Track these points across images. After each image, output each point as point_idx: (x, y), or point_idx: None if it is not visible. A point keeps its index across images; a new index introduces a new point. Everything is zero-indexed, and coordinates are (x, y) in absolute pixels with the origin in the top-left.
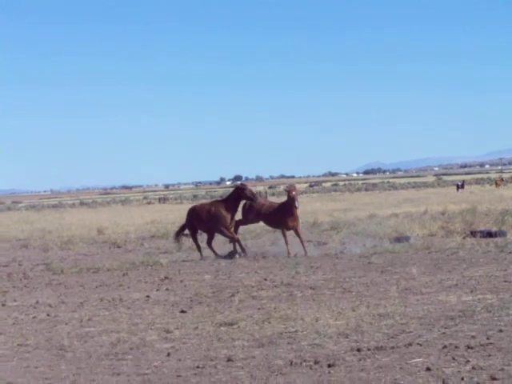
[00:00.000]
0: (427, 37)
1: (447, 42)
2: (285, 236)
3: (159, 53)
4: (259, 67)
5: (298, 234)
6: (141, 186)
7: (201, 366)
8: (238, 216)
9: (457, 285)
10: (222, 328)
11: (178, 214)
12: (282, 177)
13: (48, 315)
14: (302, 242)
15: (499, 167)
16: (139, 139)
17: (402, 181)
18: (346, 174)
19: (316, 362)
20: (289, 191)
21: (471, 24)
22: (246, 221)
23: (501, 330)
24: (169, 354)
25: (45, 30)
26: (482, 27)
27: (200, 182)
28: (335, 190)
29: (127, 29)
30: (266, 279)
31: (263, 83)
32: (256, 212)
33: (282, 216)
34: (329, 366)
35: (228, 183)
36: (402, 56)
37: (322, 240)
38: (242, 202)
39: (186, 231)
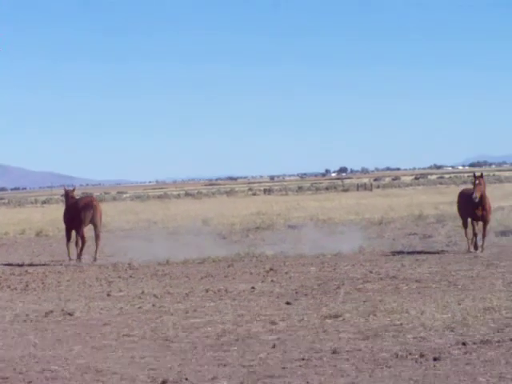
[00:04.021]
0: None
1: None
2: (472, 226)
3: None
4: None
5: (483, 226)
6: (246, 177)
7: (306, 357)
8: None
9: None
10: (327, 320)
11: (284, 206)
12: (388, 169)
13: (153, 306)
14: (483, 235)
15: None
16: (245, 130)
17: (508, 174)
18: (452, 167)
19: (421, 356)
20: (474, 179)
21: None
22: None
23: None
24: (274, 346)
25: None
26: None
27: (305, 174)
28: (441, 183)
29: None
30: (371, 272)
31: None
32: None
33: (467, 205)
34: (434, 359)
35: (333, 175)
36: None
37: (427, 233)
38: None
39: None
